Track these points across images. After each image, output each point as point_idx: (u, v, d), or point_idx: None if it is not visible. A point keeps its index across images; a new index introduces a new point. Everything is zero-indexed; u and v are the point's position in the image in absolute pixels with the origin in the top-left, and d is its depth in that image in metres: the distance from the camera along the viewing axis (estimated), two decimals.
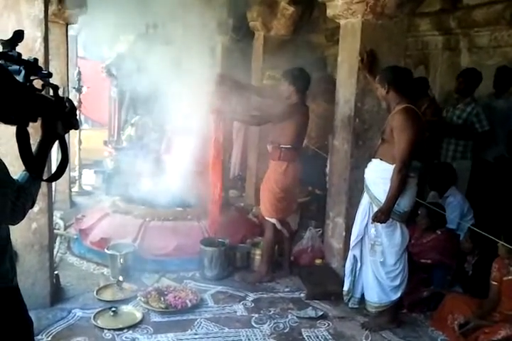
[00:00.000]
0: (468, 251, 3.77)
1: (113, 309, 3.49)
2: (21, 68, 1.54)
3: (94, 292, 3.79)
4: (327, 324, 3.52)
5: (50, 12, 4.15)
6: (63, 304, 3.61)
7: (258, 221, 5.00)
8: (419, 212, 4.06)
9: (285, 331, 3.41)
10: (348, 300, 3.69)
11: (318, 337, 3.34)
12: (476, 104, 4.61)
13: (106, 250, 4.14)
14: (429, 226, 3.95)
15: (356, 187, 3.90)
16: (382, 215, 3.23)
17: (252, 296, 3.91)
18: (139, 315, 3.49)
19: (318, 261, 4.39)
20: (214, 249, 4.20)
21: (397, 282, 3.40)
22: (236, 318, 3.56)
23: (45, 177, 1.73)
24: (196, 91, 4.49)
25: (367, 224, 3.43)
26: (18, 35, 1.59)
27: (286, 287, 4.10)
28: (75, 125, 1.72)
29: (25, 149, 1.56)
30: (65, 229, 5.01)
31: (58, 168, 1.72)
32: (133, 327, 3.36)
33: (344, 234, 4.03)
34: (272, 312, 3.67)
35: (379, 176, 3.34)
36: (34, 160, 1.62)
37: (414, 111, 3.23)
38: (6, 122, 1.51)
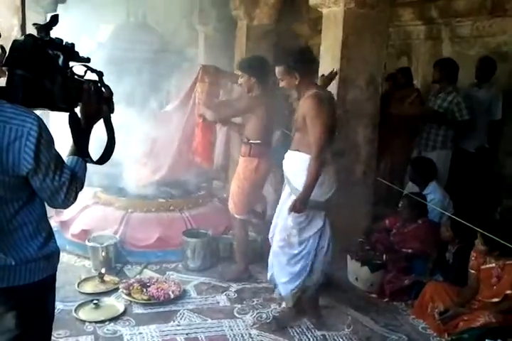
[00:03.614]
0: (449, 240, 3.80)
1: (94, 301, 3.45)
2: (59, 54, 1.58)
3: (76, 284, 3.75)
4: None
5: None
6: None
7: None
8: (400, 202, 4.10)
9: (268, 321, 3.41)
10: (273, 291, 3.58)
11: (300, 327, 3.35)
12: (457, 94, 4.62)
13: (87, 242, 4.10)
14: (410, 216, 3.98)
15: None
16: (300, 205, 3.09)
17: (235, 287, 3.90)
18: (121, 307, 3.46)
19: None
20: (197, 240, 4.18)
21: (298, 268, 3.27)
22: (219, 309, 3.56)
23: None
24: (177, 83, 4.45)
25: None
26: (54, 19, 1.60)
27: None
28: (112, 110, 1.81)
29: (78, 134, 1.69)
30: None
31: (105, 150, 1.80)
32: (115, 319, 3.33)
33: None
34: (255, 302, 3.67)
35: (299, 168, 3.16)
36: (87, 145, 1.71)
37: (323, 97, 3.11)
38: (59, 110, 1.63)
